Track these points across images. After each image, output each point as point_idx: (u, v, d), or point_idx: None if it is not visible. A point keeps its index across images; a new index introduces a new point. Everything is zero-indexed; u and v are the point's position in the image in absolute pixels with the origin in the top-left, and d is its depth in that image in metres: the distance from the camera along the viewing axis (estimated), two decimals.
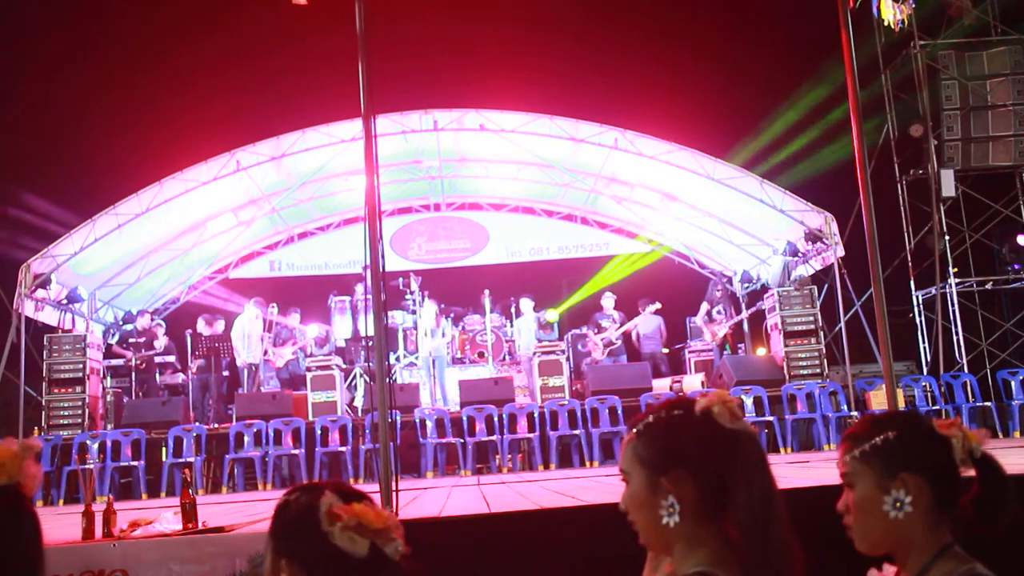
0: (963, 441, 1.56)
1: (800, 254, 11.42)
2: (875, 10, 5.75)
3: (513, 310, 12.60)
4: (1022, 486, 3.44)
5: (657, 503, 1.39)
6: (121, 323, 12.21)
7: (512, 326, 12.60)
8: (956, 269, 12.46)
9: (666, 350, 12.46)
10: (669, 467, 1.38)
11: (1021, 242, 12.32)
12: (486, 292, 12.34)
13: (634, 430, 1.45)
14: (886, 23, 5.77)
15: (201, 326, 11.56)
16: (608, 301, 11.96)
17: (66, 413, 10.29)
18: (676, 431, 1.40)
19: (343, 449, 9.47)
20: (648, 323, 12.04)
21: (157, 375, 11.50)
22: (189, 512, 4.01)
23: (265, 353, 11.57)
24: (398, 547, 1.36)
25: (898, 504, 1.54)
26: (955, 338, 12.14)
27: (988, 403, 9.81)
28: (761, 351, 12.34)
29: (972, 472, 1.58)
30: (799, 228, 11.29)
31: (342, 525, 1.33)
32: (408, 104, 11.69)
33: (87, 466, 9.04)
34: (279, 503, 1.45)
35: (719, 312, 12.02)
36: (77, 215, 11.26)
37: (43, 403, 10.33)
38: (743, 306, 12.77)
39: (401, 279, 12.23)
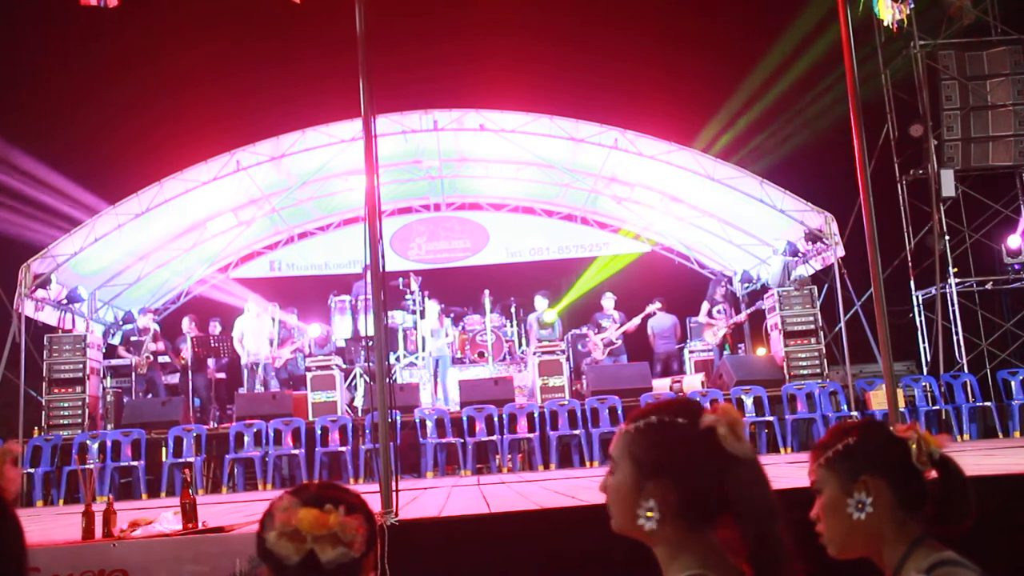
0: (920, 443, 1.61)
1: (800, 254, 11.42)
2: (874, 7, 5.75)
3: (516, 310, 12.57)
4: (1022, 486, 3.45)
5: (636, 503, 1.39)
6: (121, 323, 12.21)
7: (512, 325, 12.59)
8: (956, 269, 12.46)
9: (679, 346, 12.46)
10: (658, 473, 1.37)
11: (1012, 244, 12.31)
12: (486, 292, 12.35)
13: (634, 425, 1.43)
14: (884, 23, 5.77)
15: (186, 326, 11.57)
16: (608, 301, 11.95)
17: (66, 413, 10.30)
18: (674, 441, 1.39)
19: (343, 449, 9.47)
20: (662, 322, 12.03)
21: (158, 374, 11.50)
22: (189, 512, 4.01)
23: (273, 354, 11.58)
24: (345, 554, 1.37)
25: (860, 505, 1.60)
26: (955, 338, 12.14)
27: (988, 403, 9.82)
28: (761, 351, 12.34)
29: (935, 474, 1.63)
30: (799, 228, 11.29)
31: (277, 532, 1.37)
32: (408, 104, 11.69)
33: (87, 466, 9.04)
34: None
35: (719, 312, 12.01)
36: (77, 213, 11.28)
37: (43, 403, 10.33)
38: (743, 306, 12.77)
39: (401, 279, 12.23)
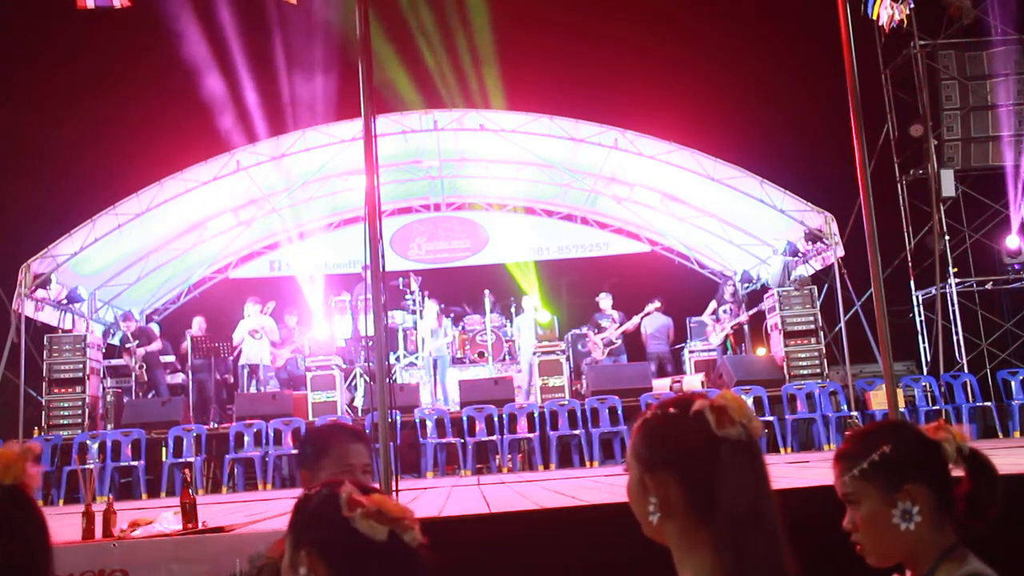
0: (952, 442, 1.59)
1: (800, 254, 11.42)
2: (868, 9, 5.75)
3: (513, 309, 12.57)
4: (1022, 486, 3.45)
5: (646, 500, 1.38)
6: (121, 323, 12.21)
7: (512, 325, 12.59)
8: (956, 269, 12.46)
9: (675, 347, 12.45)
10: (655, 466, 1.37)
11: (1011, 244, 12.30)
12: (486, 292, 12.34)
13: (636, 424, 1.45)
14: (879, 23, 5.77)
15: (196, 326, 11.56)
16: (606, 301, 11.94)
17: (66, 413, 10.29)
18: (665, 431, 1.39)
19: None
20: (655, 323, 12.02)
21: (161, 374, 11.49)
22: (189, 512, 4.01)
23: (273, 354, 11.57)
24: (415, 536, 1.42)
25: (907, 515, 1.56)
26: (955, 338, 12.14)
27: (988, 403, 9.82)
28: (761, 351, 12.33)
29: (961, 470, 1.61)
30: (799, 228, 11.29)
31: (363, 512, 1.38)
32: (408, 104, 11.69)
33: (87, 466, 9.04)
34: (300, 497, 1.50)
35: (725, 312, 12.00)
36: (77, 215, 11.28)
37: (43, 403, 10.33)
38: (745, 307, 12.77)
39: (401, 279, 12.23)
